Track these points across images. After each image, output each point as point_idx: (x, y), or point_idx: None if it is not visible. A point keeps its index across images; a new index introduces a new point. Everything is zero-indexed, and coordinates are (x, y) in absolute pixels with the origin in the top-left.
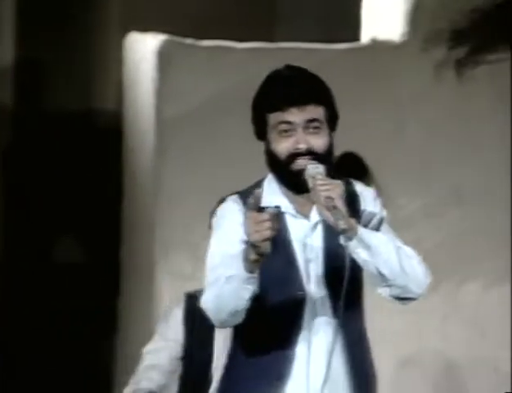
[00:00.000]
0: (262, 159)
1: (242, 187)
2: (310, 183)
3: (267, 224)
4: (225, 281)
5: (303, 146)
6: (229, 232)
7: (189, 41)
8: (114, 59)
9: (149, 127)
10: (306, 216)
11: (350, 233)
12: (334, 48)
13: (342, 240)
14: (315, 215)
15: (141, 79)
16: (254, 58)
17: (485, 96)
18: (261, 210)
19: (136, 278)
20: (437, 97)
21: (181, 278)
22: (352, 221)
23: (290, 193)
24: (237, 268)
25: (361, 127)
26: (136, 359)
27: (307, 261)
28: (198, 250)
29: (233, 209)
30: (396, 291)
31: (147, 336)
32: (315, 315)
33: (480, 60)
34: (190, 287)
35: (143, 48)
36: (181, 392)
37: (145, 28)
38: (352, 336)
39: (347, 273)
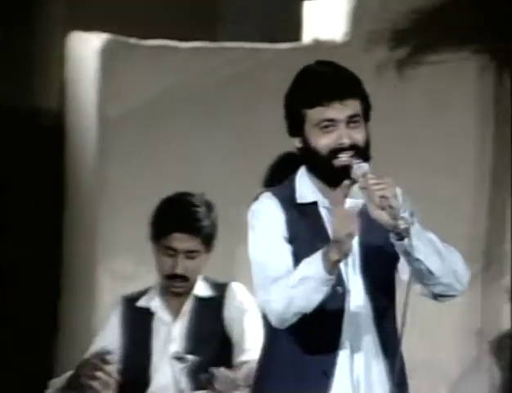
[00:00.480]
0: (206, 156)
1: (186, 186)
2: (361, 183)
3: (354, 219)
4: (298, 282)
5: (347, 142)
6: (270, 228)
7: (132, 40)
8: (57, 57)
9: (91, 126)
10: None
11: (405, 232)
12: (276, 48)
13: (393, 238)
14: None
15: (84, 78)
16: (197, 57)
17: (425, 96)
18: (298, 206)
19: (77, 279)
20: (379, 97)
21: (123, 279)
22: (409, 219)
23: (324, 187)
24: (313, 269)
25: None
26: (77, 359)
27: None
28: (140, 251)
29: (270, 205)
30: (440, 289)
31: (88, 337)
32: (354, 312)
33: (421, 60)
34: (132, 288)
35: (86, 47)
36: None
37: (88, 27)
38: (387, 331)
39: (410, 281)
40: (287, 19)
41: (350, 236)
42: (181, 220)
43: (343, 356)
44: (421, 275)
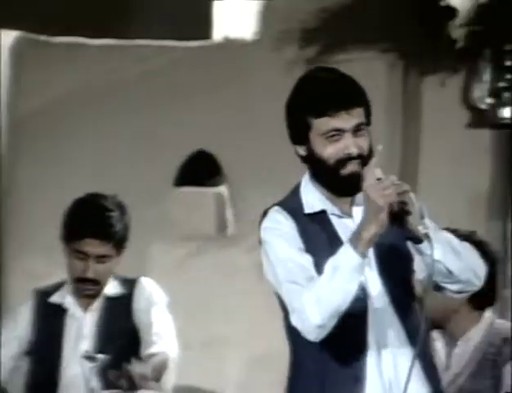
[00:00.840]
0: (116, 156)
1: (98, 185)
2: (376, 192)
3: (391, 189)
4: (330, 276)
5: (354, 151)
6: (287, 243)
7: (43, 38)
8: None
9: (1, 124)
10: (350, 216)
11: (427, 236)
12: (186, 46)
13: (409, 242)
14: (357, 214)
15: None
16: (108, 55)
17: None
18: (307, 216)
19: None
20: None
21: (34, 278)
22: (427, 222)
23: (331, 196)
24: (343, 256)
25: (213, 125)
26: None
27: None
28: (51, 249)
29: (281, 219)
30: (458, 286)
31: None
32: (377, 313)
33: (330, 59)
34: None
35: None
36: (27, 388)
37: None
38: (412, 330)
39: (429, 282)
40: (197, 17)
41: (386, 206)
42: (93, 225)
43: (371, 359)
44: (440, 275)
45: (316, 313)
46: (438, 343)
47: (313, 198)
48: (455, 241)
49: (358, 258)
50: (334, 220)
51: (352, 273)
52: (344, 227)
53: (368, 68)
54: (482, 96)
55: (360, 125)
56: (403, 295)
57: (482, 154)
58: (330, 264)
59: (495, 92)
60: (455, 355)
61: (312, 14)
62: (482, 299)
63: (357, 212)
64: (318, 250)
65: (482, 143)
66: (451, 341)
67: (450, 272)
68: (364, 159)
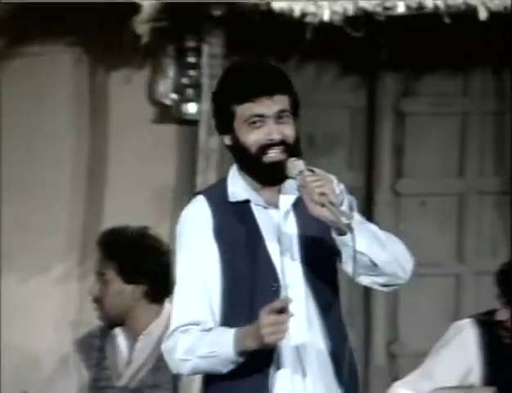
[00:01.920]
0: None
1: None
2: (298, 181)
3: (285, 326)
4: (205, 356)
5: (276, 137)
6: (197, 248)
7: None
8: None
9: None
10: (276, 206)
11: (349, 227)
12: None
13: (334, 233)
14: (284, 204)
15: None
16: None
17: (24, 89)
18: (230, 205)
19: None
20: None
21: None
22: (350, 212)
23: (257, 185)
24: (223, 348)
25: None
26: None
27: (284, 251)
28: None
29: (198, 211)
30: (384, 280)
31: None
32: (295, 302)
33: (17, 52)
34: None
35: None
36: None
37: None
38: (332, 324)
39: (354, 267)
40: None
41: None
42: None
43: (287, 349)
44: (365, 267)
45: (181, 364)
46: (121, 338)
47: (238, 188)
48: (380, 233)
49: (235, 357)
50: (258, 211)
51: (225, 363)
52: (268, 218)
53: (55, 62)
54: (166, 91)
55: (283, 112)
56: (327, 289)
57: (168, 149)
58: (210, 345)
59: (179, 89)
60: (137, 350)
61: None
62: (158, 291)
63: (285, 202)
64: (234, 241)
65: (167, 138)
66: (133, 335)
67: (374, 264)
68: (288, 146)
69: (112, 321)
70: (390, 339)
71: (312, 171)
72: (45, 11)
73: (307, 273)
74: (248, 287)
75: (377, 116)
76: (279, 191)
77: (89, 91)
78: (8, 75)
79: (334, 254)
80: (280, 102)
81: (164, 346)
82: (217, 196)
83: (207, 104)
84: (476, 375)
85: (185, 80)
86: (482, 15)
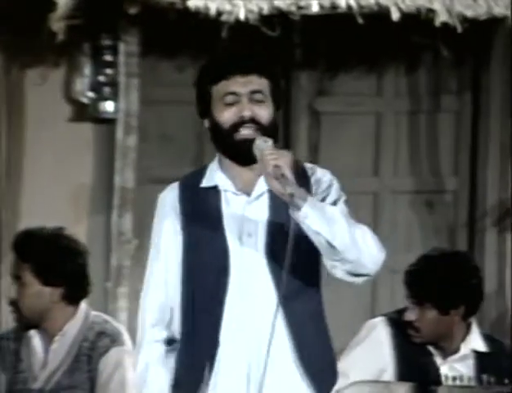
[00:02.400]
0: None
1: None
2: (258, 156)
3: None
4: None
5: (247, 114)
6: (162, 234)
7: None
8: None
9: None
10: (247, 192)
11: (299, 201)
12: None
13: (291, 210)
14: (259, 189)
15: None
16: None
17: None
18: (201, 190)
19: None
20: None
21: None
22: (302, 190)
23: (234, 167)
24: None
25: None
26: None
27: (246, 238)
28: None
29: (168, 200)
30: (347, 266)
31: None
32: (252, 290)
33: None
34: None
35: None
36: None
37: None
38: (298, 316)
39: (290, 244)
40: None
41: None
42: None
43: (235, 336)
44: (324, 249)
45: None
46: (36, 340)
47: (213, 173)
48: (343, 218)
49: None
50: (227, 197)
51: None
52: (235, 204)
53: None
54: (82, 90)
55: (257, 92)
56: (294, 277)
57: (85, 148)
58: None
59: (95, 87)
60: (52, 351)
61: None
62: (76, 292)
63: (260, 187)
64: (196, 225)
65: (84, 137)
66: (49, 337)
67: (332, 246)
68: (261, 126)
69: (29, 323)
70: None
71: None
72: None
73: (270, 261)
74: (202, 274)
75: (293, 115)
76: (259, 177)
77: (4, 89)
78: None
79: (304, 244)
80: (255, 83)
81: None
82: (191, 181)
83: (124, 102)
84: (390, 374)
85: (101, 78)
86: (395, 15)
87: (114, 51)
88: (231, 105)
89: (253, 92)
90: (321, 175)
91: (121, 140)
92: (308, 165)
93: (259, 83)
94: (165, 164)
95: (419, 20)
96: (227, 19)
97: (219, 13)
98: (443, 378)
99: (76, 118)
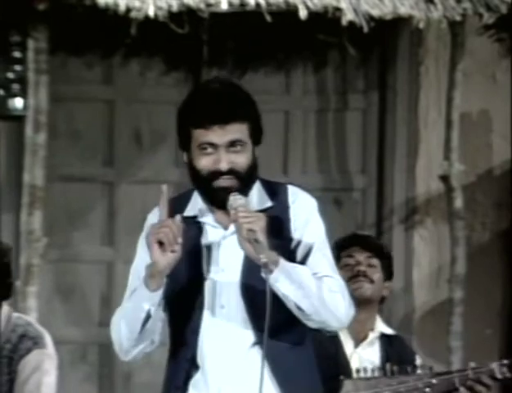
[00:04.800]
0: None
1: None
2: (232, 215)
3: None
4: (126, 299)
5: (224, 167)
6: (144, 256)
7: None
8: None
9: None
10: (225, 227)
11: (271, 266)
12: None
13: (262, 272)
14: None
15: None
16: None
17: None
18: (184, 219)
19: None
20: None
21: None
22: (274, 254)
23: (213, 207)
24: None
25: None
26: None
27: (221, 271)
28: None
29: (154, 218)
30: (315, 325)
31: None
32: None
33: None
34: None
35: None
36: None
37: None
38: (279, 351)
39: (268, 303)
40: None
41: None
42: None
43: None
44: (293, 310)
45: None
46: None
47: (195, 203)
48: (310, 280)
49: (144, 288)
50: (206, 228)
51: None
52: (213, 236)
53: None
54: None
55: (235, 142)
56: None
57: None
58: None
59: (4, 83)
60: None
61: None
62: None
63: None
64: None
65: None
66: None
67: (300, 309)
68: (239, 175)
69: None
70: None
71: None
72: None
73: (245, 294)
74: (179, 303)
75: None
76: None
77: None
78: None
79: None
80: (233, 132)
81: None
82: (179, 205)
83: (33, 99)
84: None
85: (10, 75)
86: (303, 13)
87: (23, 47)
88: (207, 151)
89: (233, 142)
90: (302, 204)
91: (30, 137)
92: (292, 190)
93: (239, 130)
94: (75, 162)
95: (326, 19)
96: (136, 16)
97: (128, 10)
98: (352, 371)
99: None
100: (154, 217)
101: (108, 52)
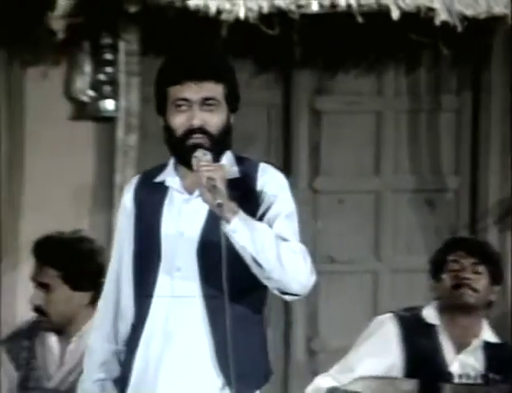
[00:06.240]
0: None
1: None
2: (194, 166)
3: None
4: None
5: (196, 123)
6: (119, 226)
7: None
8: None
9: None
10: (191, 192)
11: (229, 215)
12: None
13: (221, 223)
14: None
15: None
16: None
17: None
18: (154, 185)
19: None
20: None
21: None
22: (233, 204)
23: (185, 169)
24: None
25: None
26: None
27: (181, 234)
28: None
29: (126, 192)
30: (274, 285)
31: None
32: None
33: None
34: None
35: None
36: None
37: None
38: (224, 320)
39: (224, 257)
40: None
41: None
42: None
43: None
44: (250, 265)
45: None
46: (52, 339)
47: (168, 170)
48: (268, 235)
49: None
50: (172, 194)
51: None
52: (178, 201)
53: None
54: (83, 88)
55: (209, 99)
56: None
57: (86, 146)
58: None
59: (95, 85)
60: (69, 352)
61: None
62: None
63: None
64: (141, 218)
65: (85, 136)
66: (66, 337)
67: (258, 264)
68: (210, 135)
69: (57, 328)
70: (310, 335)
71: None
72: None
73: (202, 258)
74: (142, 264)
75: (293, 114)
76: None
77: (4, 87)
78: None
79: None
80: (208, 89)
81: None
82: (149, 175)
83: (124, 101)
84: (398, 370)
85: (101, 77)
86: (395, 14)
87: (114, 49)
88: (182, 109)
89: (206, 99)
90: (269, 180)
91: (121, 139)
92: (262, 166)
93: (213, 89)
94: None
95: (419, 19)
96: (227, 18)
97: (219, 12)
98: (453, 376)
99: (76, 116)
100: (126, 189)
101: None
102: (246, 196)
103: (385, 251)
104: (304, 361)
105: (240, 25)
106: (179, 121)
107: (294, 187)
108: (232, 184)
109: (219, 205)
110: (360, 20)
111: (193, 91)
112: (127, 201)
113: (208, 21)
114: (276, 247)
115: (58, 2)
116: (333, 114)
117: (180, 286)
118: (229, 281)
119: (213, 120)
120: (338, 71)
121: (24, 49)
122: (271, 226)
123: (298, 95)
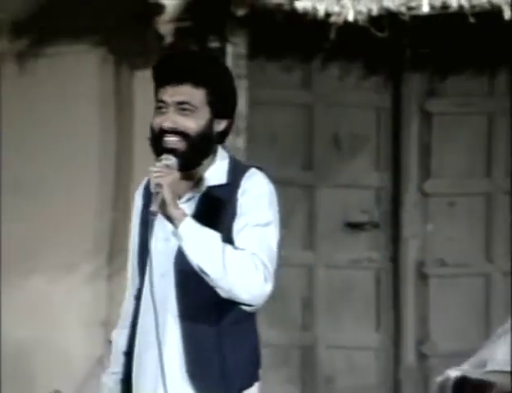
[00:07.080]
0: None
1: None
2: (150, 169)
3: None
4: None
5: (167, 124)
6: (133, 224)
7: None
8: None
9: None
10: (180, 197)
11: (176, 222)
12: None
13: (172, 230)
14: (189, 193)
15: None
16: None
17: (46, 88)
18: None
19: None
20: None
21: None
22: (181, 212)
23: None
24: None
25: None
26: None
27: (167, 238)
28: None
29: (136, 194)
30: (225, 294)
31: None
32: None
33: (41, 52)
34: None
35: None
36: None
37: None
38: (196, 331)
39: (175, 261)
40: None
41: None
42: None
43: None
44: (199, 272)
45: None
46: None
47: None
48: (215, 244)
49: None
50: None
51: None
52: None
53: (80, 61)
54: None
55: (184, 104)
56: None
57: None
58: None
59: None
60: None
61: (21, 5)
62: None
63: (188, 194)
64: (140, 221)
65: None
66: None
67: (204, 272)
68: (187, 137)
69: None
70: (421, 339)
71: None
72: (70, 10)
73: (179, 265)
74: (137, 267)
75: (403, 117)
76: (192, 182)
77: (114, 90)
78: (33, 75)
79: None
80: (183, 94)
81: None
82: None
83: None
84: None
85: None
86: (507, 14)
87: (222, 52)
88: (161, 110)
89: (180, 103)
90: (249, 189)
91: (230, 141)
92: (249, 172)
93: (190, 93)
94: (273, 165)
95: None
96: (336, 20)
97: (327, 14)
98: None
99: None
100: (138, 193)
101: (307, 57)
102: (224, 205)
103: (497, 254)
104: (415, 365)
105: (349, 28)
106: (156, 121)
107: (404, 189)
108: (216, 191)
109: (153, 214)
110: (472, 20)
111: (168, 94)
112: (137, 200)
113: (316, 24)
114: (223, 256)
115: (166, 7)
116: (444, 116)
117: (161, 293)
118: (204, 289)
119: (187, 124)
120: (448, 73)
121: (132, 53)
122: (238, 235)
123: (408, 97)
